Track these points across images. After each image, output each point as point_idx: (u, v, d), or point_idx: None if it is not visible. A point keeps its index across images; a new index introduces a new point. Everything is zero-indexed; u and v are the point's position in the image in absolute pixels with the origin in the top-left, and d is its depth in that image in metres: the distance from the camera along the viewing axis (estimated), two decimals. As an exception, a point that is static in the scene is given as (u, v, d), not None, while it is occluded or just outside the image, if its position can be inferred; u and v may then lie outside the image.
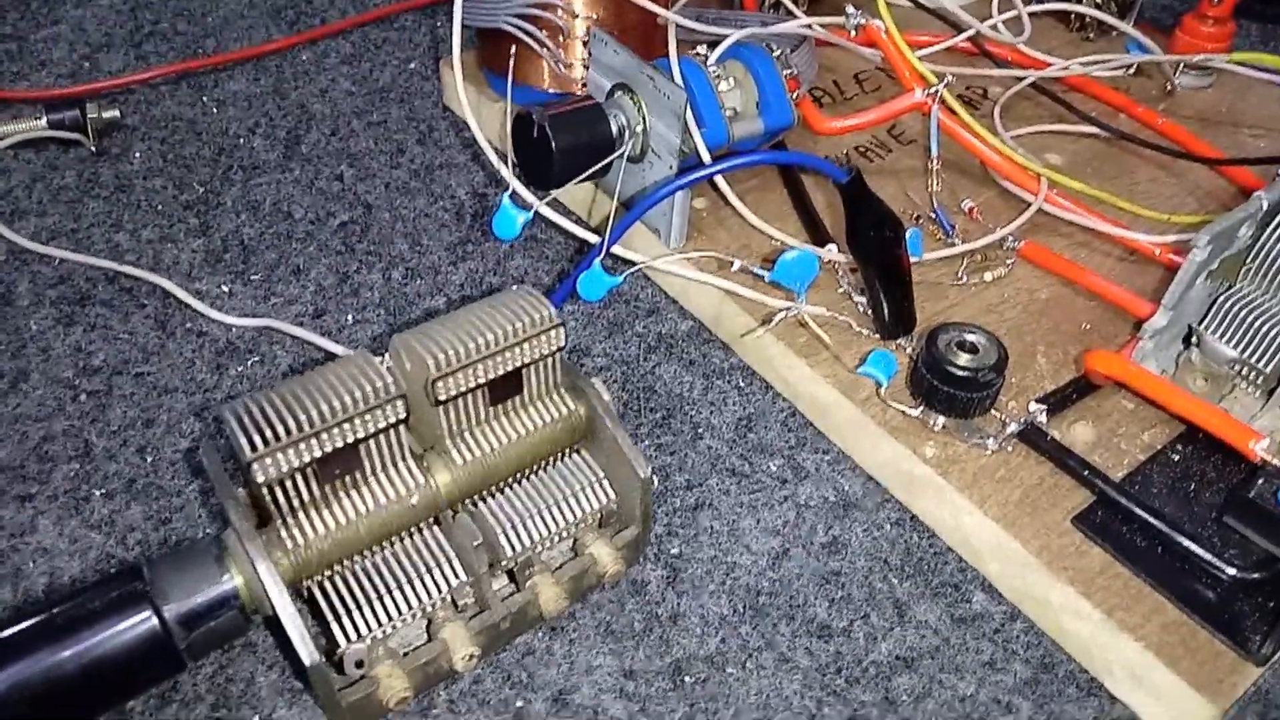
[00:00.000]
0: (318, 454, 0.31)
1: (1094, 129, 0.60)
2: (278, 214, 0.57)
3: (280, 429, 0.30)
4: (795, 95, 0.53)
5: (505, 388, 0.35)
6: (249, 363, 0.49)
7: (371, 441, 0.32)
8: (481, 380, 0.34)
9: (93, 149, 0.60)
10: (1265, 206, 0.41)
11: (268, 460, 0.30)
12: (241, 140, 0.62)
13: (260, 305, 0.52)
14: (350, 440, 0.31)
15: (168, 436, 0.45)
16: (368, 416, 0.31)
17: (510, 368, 0.34)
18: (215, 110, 0.65)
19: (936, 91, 0.53)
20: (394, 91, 0.67)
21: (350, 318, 0.52)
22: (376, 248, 0.56)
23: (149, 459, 0.44)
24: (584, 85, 0.55)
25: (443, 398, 0.33)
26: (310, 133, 0.63)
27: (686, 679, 0.38)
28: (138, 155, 0.61)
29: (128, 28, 0.72)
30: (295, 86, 0.67)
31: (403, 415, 0.32)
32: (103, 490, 0.43)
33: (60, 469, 0.44)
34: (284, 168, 0.61)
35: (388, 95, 0.67)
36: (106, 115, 0.61)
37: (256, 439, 0.30)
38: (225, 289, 0.53)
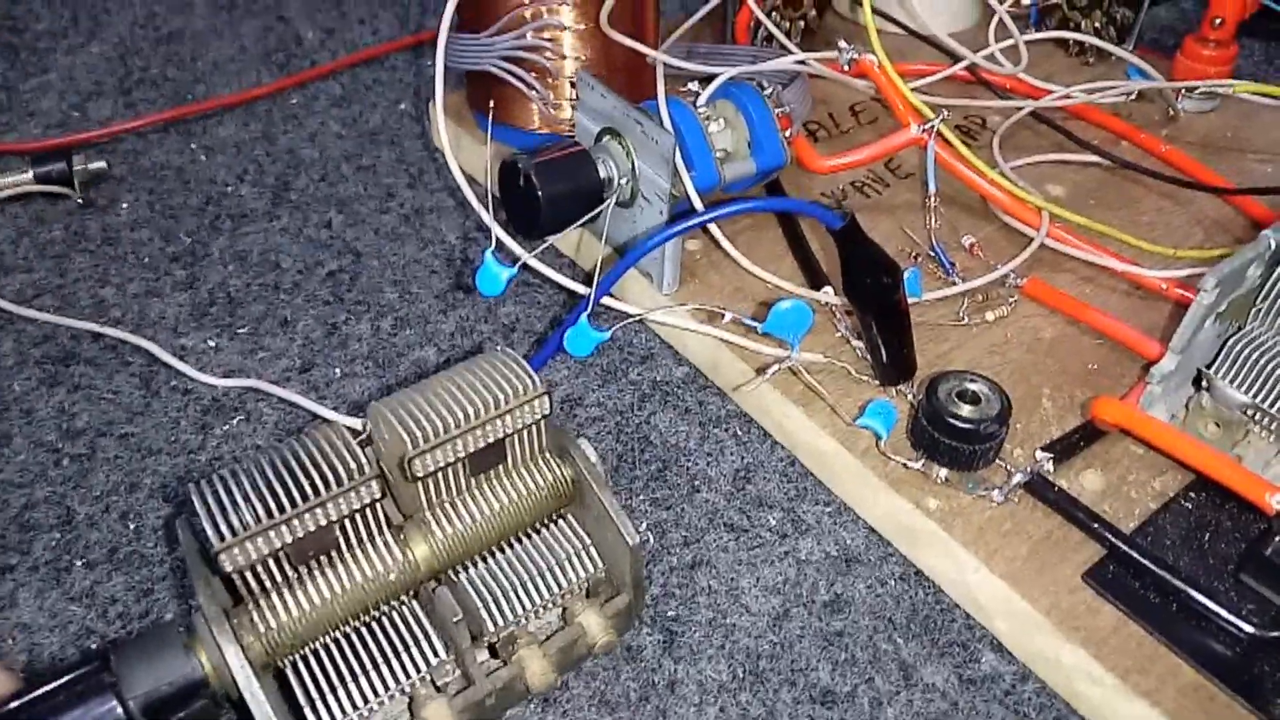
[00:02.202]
0: (289, 539, 0.30)
1: (1096, 158, 0.59)
2: (265, 264, 0.57)
3: (249, 515, 0.29)
4: (788, 134, 0.52)
5: (487, 458, 0.34)
6: (234, 421, 0.48)
7: (346, 521, 0.31)
8: (460, 455, 0.33)
9: (79, 201, 0.60)
10: (1274, 246, 0.40)
11: (235, 550, 0.29)
12: (229, 188, 0.62)
13: (247, 360, 0.51)
14: (323, 523, 0.30)
15: (150, 501, 0.44)
16: (340, 500, 0.30)
17: (491, 440, 0.33)
18: (204, 158, 0.64)
19: (932, 127, 0.51)
20: (384, 134, 0.67)
21: (338, 371, 0.51)
22: (365, 297, 0.55)
23: (132, 525, 0.43)
24: (573, 127, 0.54)
25: (420, 474, 0.32)
26: (299, 178, 0.63)
27: (683, 752, 0.37)
28: (125, 206, 0.60)
29: (117, 75, 0.72)
30: (284, 131, 0.67)
31: (377, 495, 0.31)
32: (84, 560, 0.42)
33: (41, 538, 0.43)
34: (272, 215, 0.60)
35: (377, 138, 0.66)
36: (93, 167, 0.60)
37: (224, 527, 0.29)
38: (211, 344, 0.52)
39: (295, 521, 0.30)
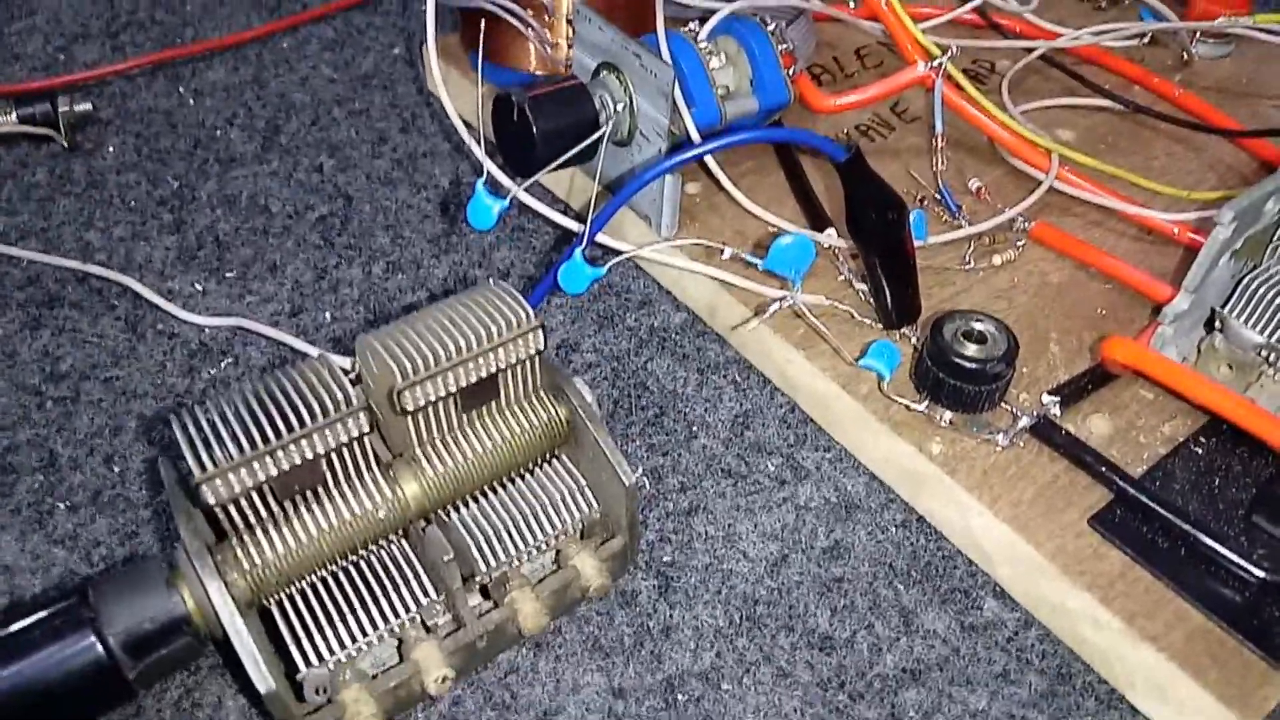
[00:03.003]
0: (273, 472, 0.29)
1: (1107, 102, 0.57)
2: (255, 208, 0.55)
3: (232, 447, 0.28)
4: (791, 72, 0.51)
5: (479, 394, 0.33)
6: (222, 364, 0.47)
7: (333, 455, 0.30)
8: (451, 389, 0.31)
9: (64, 144, 0.58)
10: (1293, 181, 0.38)
11: (218, 481, 0.28)
12: (219, 132, 0.60)
13: (235, 304, 0.50)
14: (309, 456, 0.29)
15: (135, 444, 0.43)
16: (327, 431, 0.29)
17: (483, 374, 0.32)
18: (192, 101, 0.63)
19: (940, 65, 0.50)
20: (377, 78, 0.65)
21: (328, 315, 0.49)
22: (356, 241, 0.53)
23: (116, 469, 0.42)
24: (570, 66, 0.52)
25: (409, 408, 0.31)
26: (290, 123, 0.61)
27: (679, 697, 0.36)
28: (111, 150, 0.59)
29: (104, 18, 0.70)
30: (275, 75, 0.65)
31: (365, 429, 0.30)
32: (67, 503, 0.41)
33: (24, 481, 0.42)
34: (262, 159, 0.58)
35: (370, 82, 0.65)
36: (79, 109, 0.58)
37: (205, 458, 0.28)
38: (199, 287, 0.50)
39: (280, 453, 0.29)
